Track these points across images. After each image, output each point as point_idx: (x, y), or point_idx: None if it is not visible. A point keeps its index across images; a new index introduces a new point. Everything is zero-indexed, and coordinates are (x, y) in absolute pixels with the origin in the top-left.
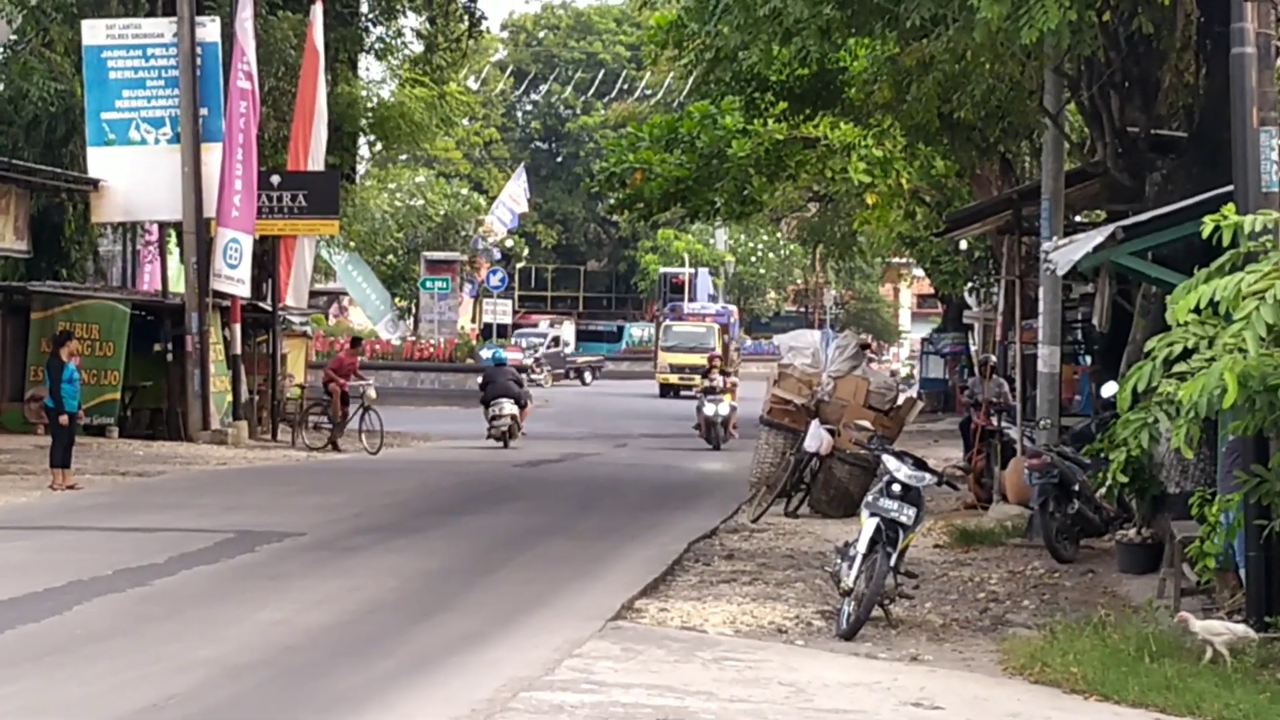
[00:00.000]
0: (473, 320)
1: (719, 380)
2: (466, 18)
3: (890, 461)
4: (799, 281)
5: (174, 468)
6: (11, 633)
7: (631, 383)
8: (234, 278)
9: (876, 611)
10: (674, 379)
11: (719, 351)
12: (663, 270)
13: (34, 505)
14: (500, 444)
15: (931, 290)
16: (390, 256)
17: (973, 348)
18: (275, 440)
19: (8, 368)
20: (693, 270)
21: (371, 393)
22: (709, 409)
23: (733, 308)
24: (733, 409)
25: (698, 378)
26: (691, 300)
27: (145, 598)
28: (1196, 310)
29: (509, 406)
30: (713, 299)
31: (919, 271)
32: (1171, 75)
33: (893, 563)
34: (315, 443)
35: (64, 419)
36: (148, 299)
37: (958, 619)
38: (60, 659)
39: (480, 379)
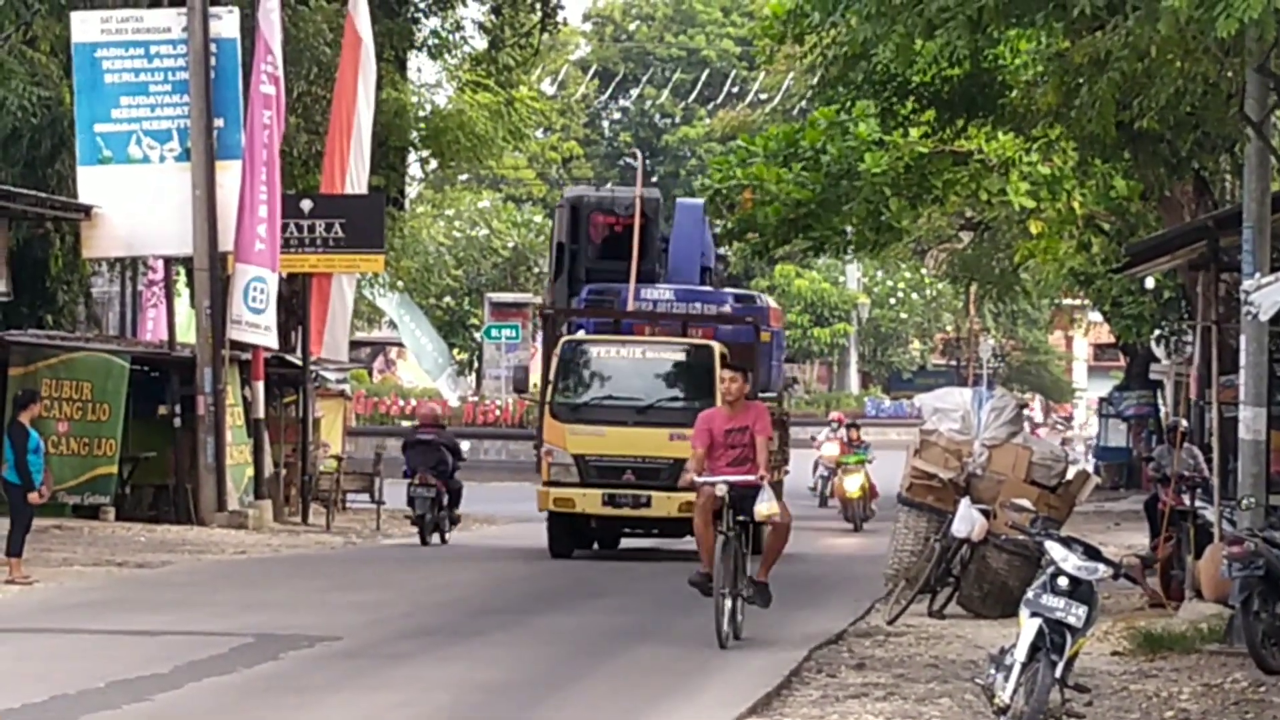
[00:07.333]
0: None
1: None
2: (540, 7)
3: (1056, 550)
4: (949, 329)
5: (182, 557)
6: None
7: None
8: (257, 325)
9: None
10: (591, 502)
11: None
12: (569, 194)
13: (11, 603)
14: None
15: (1112, 339)
16: (447, 298)
17: (1162, 409)
18: (306, 524)
19: None
20: (653, 196)
21: None
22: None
23: (769, 300)
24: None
25: (651, 498)
26: (651, 280)
27: (145, 716)
28: None
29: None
30: (708, 273)
31: (1096, 316)
32: None
33: (1059, 674)
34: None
35: (34, 497)
36: (151, 351)
37: None
38: None
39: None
